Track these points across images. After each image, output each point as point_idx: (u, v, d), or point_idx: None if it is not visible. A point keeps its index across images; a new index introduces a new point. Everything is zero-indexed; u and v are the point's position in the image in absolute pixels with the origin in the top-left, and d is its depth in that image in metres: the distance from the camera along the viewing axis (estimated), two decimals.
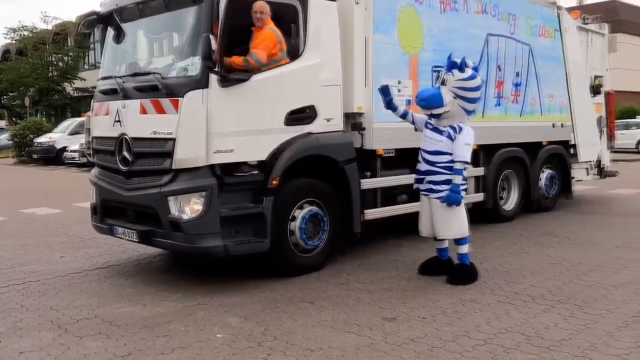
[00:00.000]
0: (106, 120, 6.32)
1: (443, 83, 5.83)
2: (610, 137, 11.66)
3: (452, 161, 5.72)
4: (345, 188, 6.51)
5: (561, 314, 4.95)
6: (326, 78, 6.31)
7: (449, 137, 5.74)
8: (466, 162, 5.74)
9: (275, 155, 5.87)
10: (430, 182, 5.84)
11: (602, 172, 11.49)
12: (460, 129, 5.76)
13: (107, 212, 6.50)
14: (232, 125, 5.61)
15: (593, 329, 4.60)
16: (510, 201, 9.30)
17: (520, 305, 5.21)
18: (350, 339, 4.50)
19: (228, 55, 5.56)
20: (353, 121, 6.80)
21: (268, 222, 5.77)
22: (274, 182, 5.82)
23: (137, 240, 6.00)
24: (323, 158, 6.33)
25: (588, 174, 11.06)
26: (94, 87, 6.66)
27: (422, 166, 5.95)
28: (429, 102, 5.78)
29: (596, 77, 10.96)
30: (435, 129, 5.85)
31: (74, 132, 24.22)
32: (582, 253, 7.06)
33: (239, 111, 5.65)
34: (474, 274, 5.93)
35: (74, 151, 22.59)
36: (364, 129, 6.78)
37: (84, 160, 21.26)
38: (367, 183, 6.82)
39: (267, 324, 4.83)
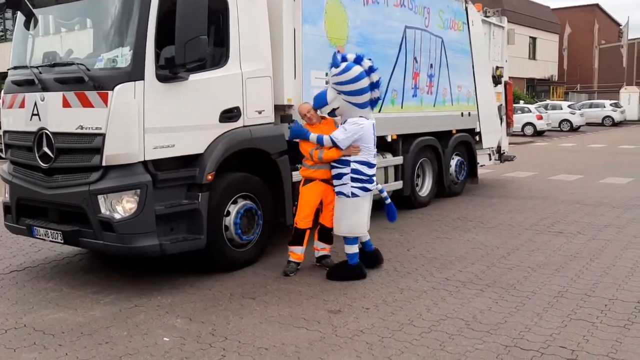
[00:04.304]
0: (21, 113, 5.87)
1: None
2: (509, 124, 12.47)
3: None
4: (277, 181, 6.51)
5: (492, 298, 5.28)
6: (257, 70, 6.24)
7: None
8: (333, 140, 5.66)
9: (210, 149, 5.76)
10: (332, 176, 5.90)
11: (501, 157, 12.27)
12: (346, 121, 5.85)
13: (23, 212, 6.07)
14: (174, 121, 5.47)
15: (523, 311, 4.96)
16: (425, 188, 9.73)
17: (453, 290, 5.49)
18: (301, 334, 4.54)
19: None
20: (282, 113, 6.77)
21: (204, 218, 5.66)
22: (209, 177, 5.70)
23: (61, 241, 5.66)
24: (256, 151, 6.28)
25: (490, 159, 11.80)
26: None
27: None
28: (316, 102, 5.94)
29: (497, 67, 11.63)
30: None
31: None
32: (498, 237, 7.53)
33: (181, 107, 5.50)
34: (357, 275, 5.83)
35: None
36: (294, 121, 6.78)
37: None
38: (298, 175, 6.83)
39: (214, 324, 4.77)
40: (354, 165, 5.76)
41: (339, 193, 5.84)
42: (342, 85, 5.73)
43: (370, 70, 5.75)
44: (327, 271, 5.97)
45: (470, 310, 5.00)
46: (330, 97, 5.82)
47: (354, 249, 5.92)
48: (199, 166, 5.68)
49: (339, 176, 5.81)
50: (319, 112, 6.10)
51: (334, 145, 5.71)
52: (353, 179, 5.75)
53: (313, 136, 5.82)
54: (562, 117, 32.84)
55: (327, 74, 7.04)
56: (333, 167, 5.85)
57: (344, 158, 5.77)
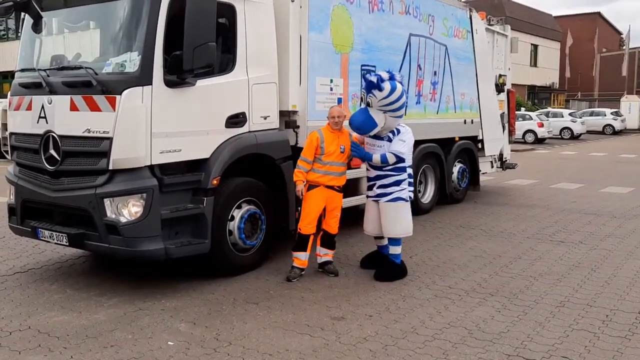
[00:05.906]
0: (28, 115, 5.90)
1: (369, 105, 6.01)
2: (511, 132, 12.49)
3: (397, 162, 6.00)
4: (281, 186, 6.53)
5: (494, 307, 5.30)
6: (263, 76, 6.27)
7: (389, 140, 6.05)
8: (398, 155, 5.97)
9: (216, 154, 5.79)
10: (381, 186, 6.07)
11: (503, 164, 12.30)
12: (398, 131, 6.10)
13: (28, 213, 6.09)
14: (181, 125, 5.51)
15: (525, 320, 4.98)
16: (428, 194, 9.75)
17: (456, 299, 5.51)
18: (305, 340, 4.56)
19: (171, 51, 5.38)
20: (287, 119, 6.80)
21: (209, 223, 5.69)
22: (215, 181, 5.73)
23: (66, 244, 5.68)
24: (260, 156, 6.31)
25: (492, 166, 11.83)
26: None
27: (371, 173, 6.18)
28: (364, 129, 6.05)
29: (500, 75, 11.67)
30: (376, 136, 6.12)
31: None
32: (500, 245, 7.56)
33: (187, 112, 5.54)
34: (402, 273, 6.14)
35: None
36: (298, 127, 6.81)
37: None
38: None
39: (218, 329, 4.79)
40: (409, 171, 6.07)
41: (397, 199, 6.03)
42: (390, 105, 5.91)
43: (402, 81, 6.07)
44: (375, 274, 6.10)
45: (473, 319, 5.02)
46: (379, 119, 5.95)
47: (400, 249, 6.17)
48: (205, 171, 5.72)
49: (397, 183, 6.02)
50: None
51: (399, 159, 5.95)
52: (409, 183, 6.07)
53: (376, 157, 6.00)
54: (563, 124, 32.84)
55: (331, 81, 7.16)
56: (387, 176, 6.03)
57: (400, 165, 5.99)
